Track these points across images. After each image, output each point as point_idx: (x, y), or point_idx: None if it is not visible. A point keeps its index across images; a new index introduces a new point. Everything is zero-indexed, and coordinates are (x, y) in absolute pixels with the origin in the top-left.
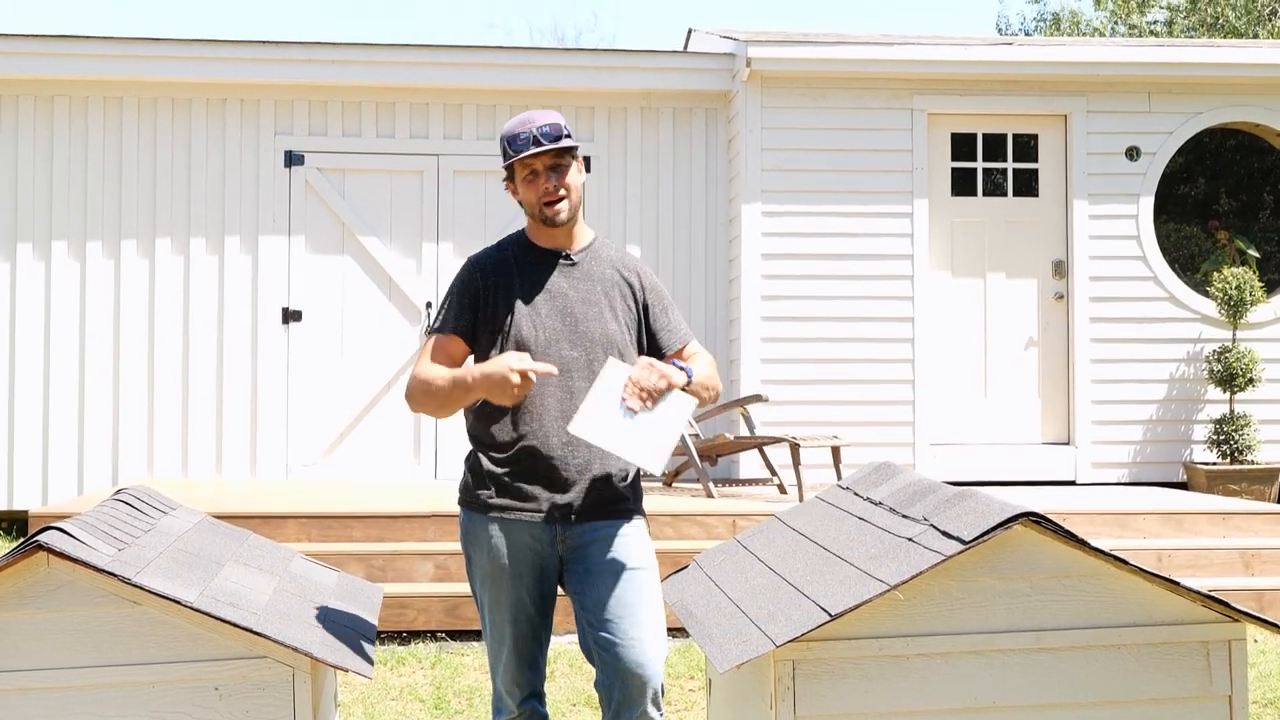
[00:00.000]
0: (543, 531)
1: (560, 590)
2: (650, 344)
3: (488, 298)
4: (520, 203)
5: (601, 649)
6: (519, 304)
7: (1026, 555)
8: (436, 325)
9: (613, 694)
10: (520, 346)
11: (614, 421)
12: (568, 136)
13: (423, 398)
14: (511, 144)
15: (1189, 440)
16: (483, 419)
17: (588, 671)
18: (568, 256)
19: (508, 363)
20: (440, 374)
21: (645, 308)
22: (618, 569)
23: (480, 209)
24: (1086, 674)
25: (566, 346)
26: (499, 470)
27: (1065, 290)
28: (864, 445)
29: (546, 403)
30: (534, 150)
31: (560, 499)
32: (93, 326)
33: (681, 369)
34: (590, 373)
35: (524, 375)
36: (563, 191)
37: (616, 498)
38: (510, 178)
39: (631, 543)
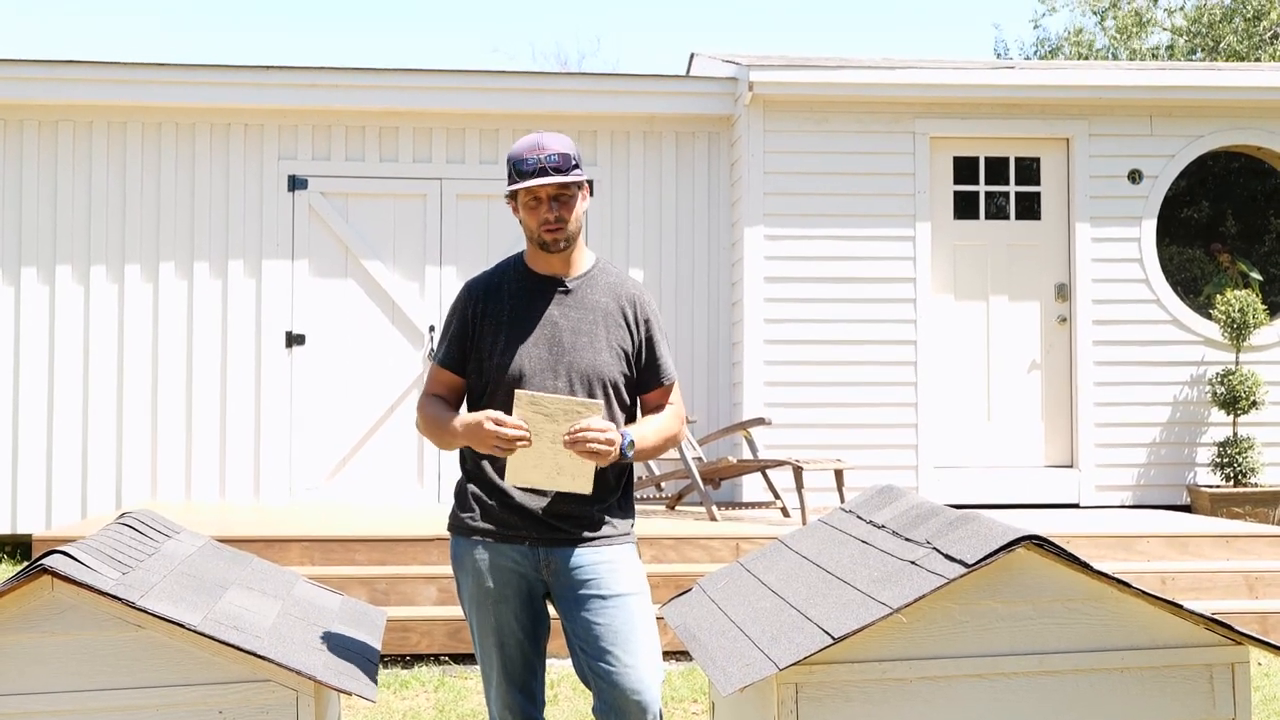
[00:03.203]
0: (525, 556)
1: (554, 613)
2: (634, 377)
3: (477, 325)
4: (520, 222)
5: (597, 677)
6: (507, 333)
7: (1030, 578)
8: (434, 355)
9: None
10: (505, 376)
11: (545, 461)
12: (576, 167)
13: (426, 432)
14: (518, 167)
15: (1192, 463)
16: None
17: (590, 695)
18: (563, 284)
19: (483, 423)
20: (436, 415)
21: (638, 342)
22: (607, 596)
23: (483, 232)
24: (1090, 697)
25: (551, 377)
26: (482, 493)
27: (1068, 313)
28: (867, 468)
29: None
30: (540, 181)
31: (542, 523)
32: (96, 350)
33: (624, 452)
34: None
35: (499, 436)
36: (563, 221)
37: (602, 522)
38: (513, 197)
39: (620, 568)
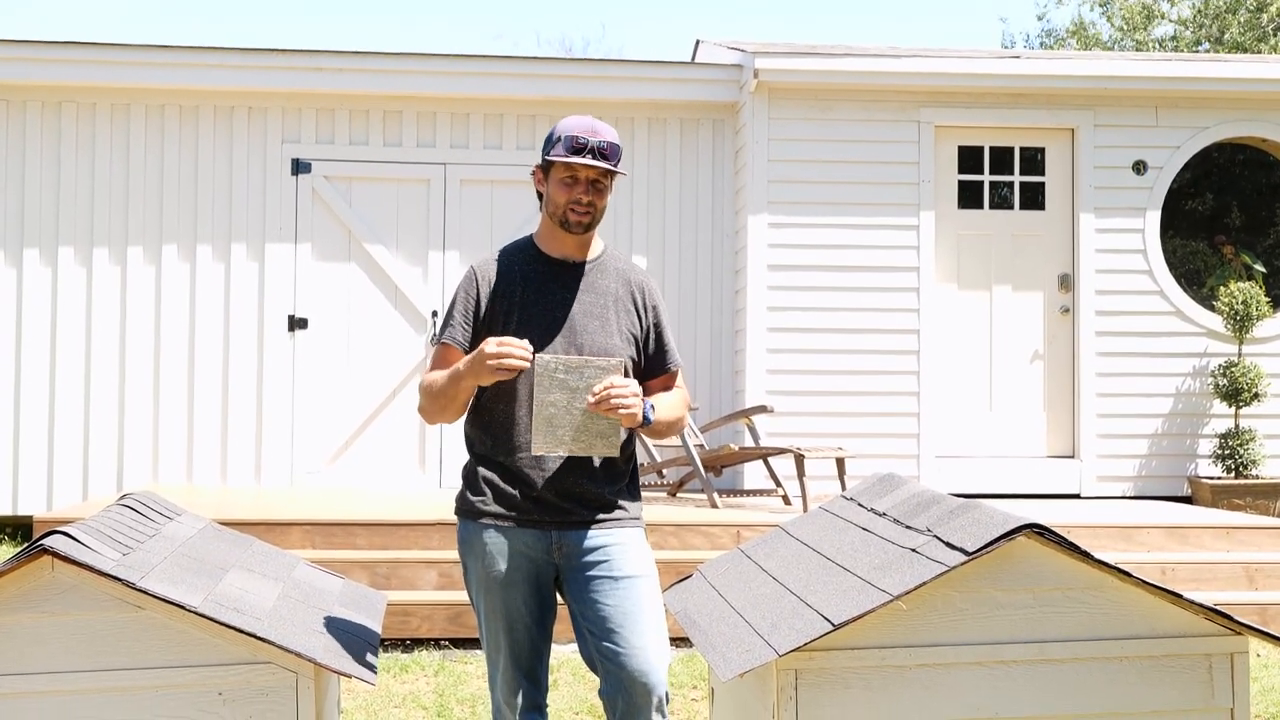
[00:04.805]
0: (537, 540)
1: (560, 599)
2: (641, 364)
3: (489, 307)
4: (541, 195)
5: (604, 658)
6: (518, 315)
7: (1030, 567)
8: (440, 335)
9: (617, 703)
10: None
11: (571, 426)
12: (618, 160)
13: (427, 402)
14: (568, 144)
15: (1194, 454)
16: (478, 426)
17: (591, 681)
18: (575, 267)
19: (483, 347)
20: (439, 374)
21: (646, 327)
22: (617, 578)
23: (487, 218)
24: (1089, 686)
25: None
26: (493, 477)
27: (1071, 304)
28: (868, 457)
29: None
30: (587, 161)
31: (554, 506)
32: (98, 332)
33: (646, 416)
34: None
35: (501, 354)
36: (594, 207)
37: (613, 505)
38: (544, 168)
39: (630, 550)
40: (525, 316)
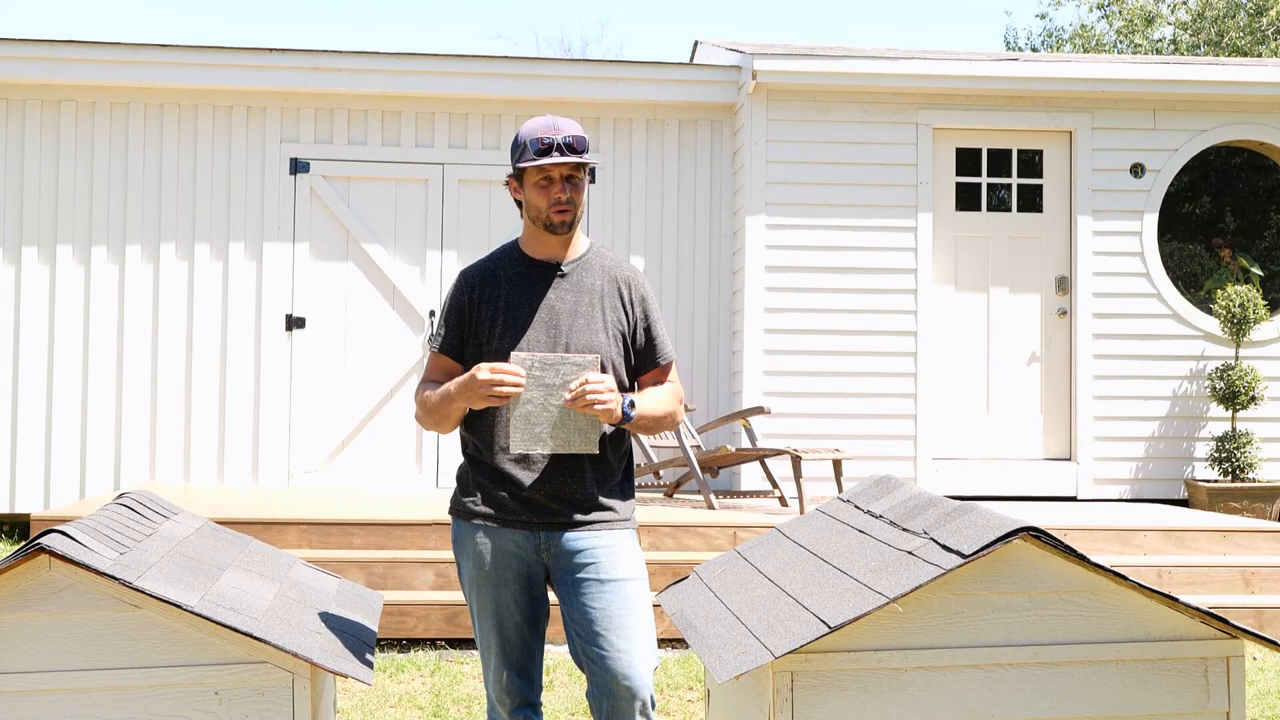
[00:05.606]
0: (526, 540)
1: (554, 598)
2: (632, 359)
3: (474, 312)
4: (520, 203)
5: (590, 660)
6: (504, 318)
7: (1026, 570)
8: (433, 344)
9: (602, 705)
10: (504, 360)
11: (548, 424)
12: (586, 151)
13: (423, 415)
14: (535, 147)
15: (1190, 457)
16: (471, 428)
17: (585, 680)
18: (559, 268)
19: (475, 374)
20: (434, 392)
21: (634, 322)
22: (605, 580)
23: (484, 218)
24: (1085, 689)
25: None
26: (484, 479)
27: (1068, 306)
28: (865, 458)
29: None
30: (556, 159)
31: (543, 508)
32: (97, 330)
33: (625, 412)
34: None
35: (494, 382)
36: (574, 203)
37: (603, 507)
38: (517, 176)
39: (619, 553)
40: (510, 319)
